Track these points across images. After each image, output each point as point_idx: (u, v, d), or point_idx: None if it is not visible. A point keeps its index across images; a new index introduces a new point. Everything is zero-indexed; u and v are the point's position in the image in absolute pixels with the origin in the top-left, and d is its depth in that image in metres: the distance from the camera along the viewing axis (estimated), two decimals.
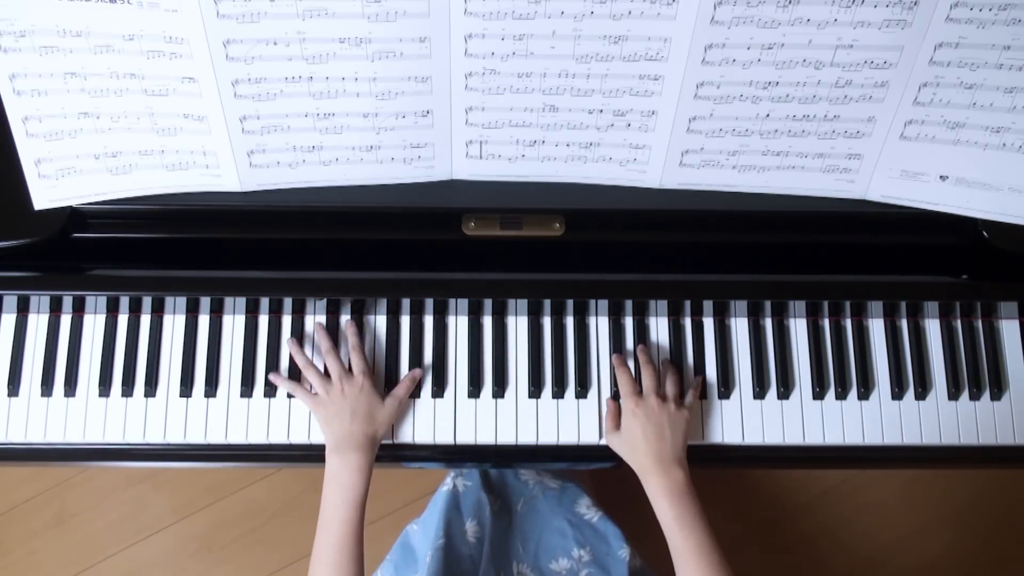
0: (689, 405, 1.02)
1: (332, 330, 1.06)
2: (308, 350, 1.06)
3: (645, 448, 0.97)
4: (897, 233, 1.03)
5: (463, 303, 1.05)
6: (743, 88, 0.92)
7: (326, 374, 1.03)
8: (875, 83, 0.91)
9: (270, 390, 1.05)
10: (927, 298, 1.06)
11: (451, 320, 1.07)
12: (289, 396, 1.05)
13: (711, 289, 1.04)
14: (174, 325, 1.06)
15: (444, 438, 1.04)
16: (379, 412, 1.00)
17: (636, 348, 1.06)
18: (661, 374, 1.05)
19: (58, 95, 0.91)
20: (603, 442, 1.04)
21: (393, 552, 1.17)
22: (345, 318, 1.07)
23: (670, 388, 1.03)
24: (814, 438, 1.05)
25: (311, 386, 1.03)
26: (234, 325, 1.07)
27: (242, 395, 1.05)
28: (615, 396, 1.04)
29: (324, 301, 1.05)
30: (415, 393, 1.05)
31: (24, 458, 1.06)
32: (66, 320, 1.06)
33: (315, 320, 1.07)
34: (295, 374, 1.05)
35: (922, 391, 1.06)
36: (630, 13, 0.87)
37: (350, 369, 1.03)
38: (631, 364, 1.05)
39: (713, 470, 1.79)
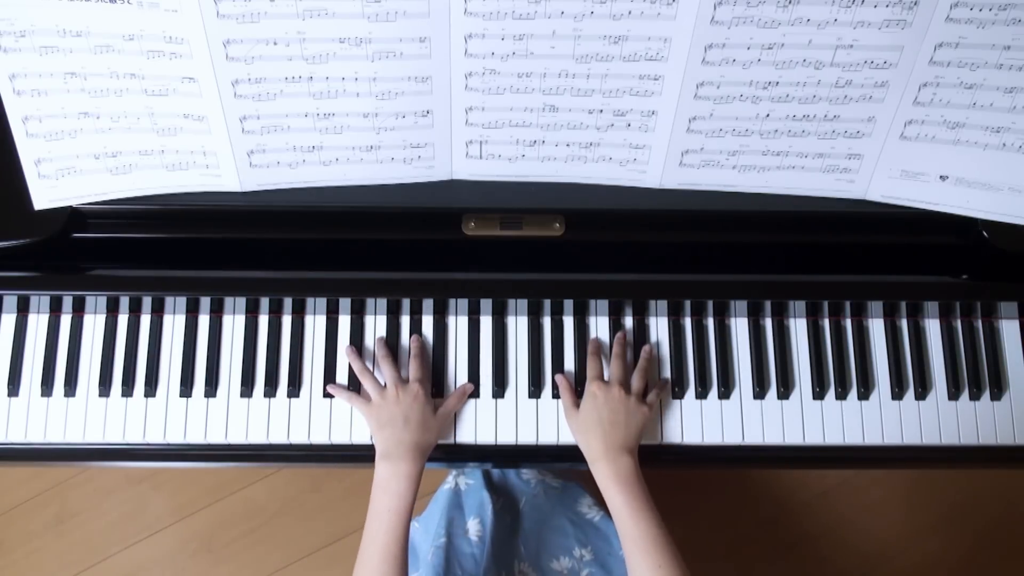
0: (650, 403, 1.02)
1: (392, 342, 1.07)
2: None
3: (599, 432, 0.97)
4: (897, 233, 1.03)
5: (463, 303, 1.05)
6: (743, 88, 0.92)
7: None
8: (875, 83, 0.91)
9: (270, 390, 1.05)
10: (927, 298, 1.06)
11: (451, 320, 1.07)
12: (326, 395, 1.05)
13: (711, 289, 1.04)
14: (174, 325, 1.06)
15: (444, 438, 1.04)
16: (431, 422, 1.00)
17: (614, 337, 1.06)
18: (631, 368, 1.05)
19: (58, 95, 0.91)
20: None
21: None
22: (344, 317, 1.07)
23: (636, 382, 1.03)
24: (814, 438, 1.05)
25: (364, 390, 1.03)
26: (234, 325, 1.07)
27: (242, 395, 1.05)
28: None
29: (324, 301, 1.05)
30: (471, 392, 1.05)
31: (24, 458, 1.06)
32: (66, 320, 1.06)
33: (315, 320, 1.07)
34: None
35: (922, 391, 1.06)
36: (630, 13, 0.87)
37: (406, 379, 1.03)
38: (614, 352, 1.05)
39: (713, 470, 1.80)
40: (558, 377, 1.04)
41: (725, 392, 1.06)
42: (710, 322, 1.08)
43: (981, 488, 1.85)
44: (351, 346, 1.05)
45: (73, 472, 1.82)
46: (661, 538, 0.91)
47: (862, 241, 1.04)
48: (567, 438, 1.04)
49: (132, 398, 1.05)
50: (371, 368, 1.05)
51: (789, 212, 1.01)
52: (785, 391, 1.06)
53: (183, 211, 1.00)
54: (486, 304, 1.06)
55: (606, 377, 1.03)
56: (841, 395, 1.06)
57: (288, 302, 1.05)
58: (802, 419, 1.05)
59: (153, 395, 1.05)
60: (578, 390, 1.04)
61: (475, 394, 1.05)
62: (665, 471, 1.79)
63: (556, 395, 1.05)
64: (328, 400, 1.05)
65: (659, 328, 1.08)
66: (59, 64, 0.89)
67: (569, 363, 1.06)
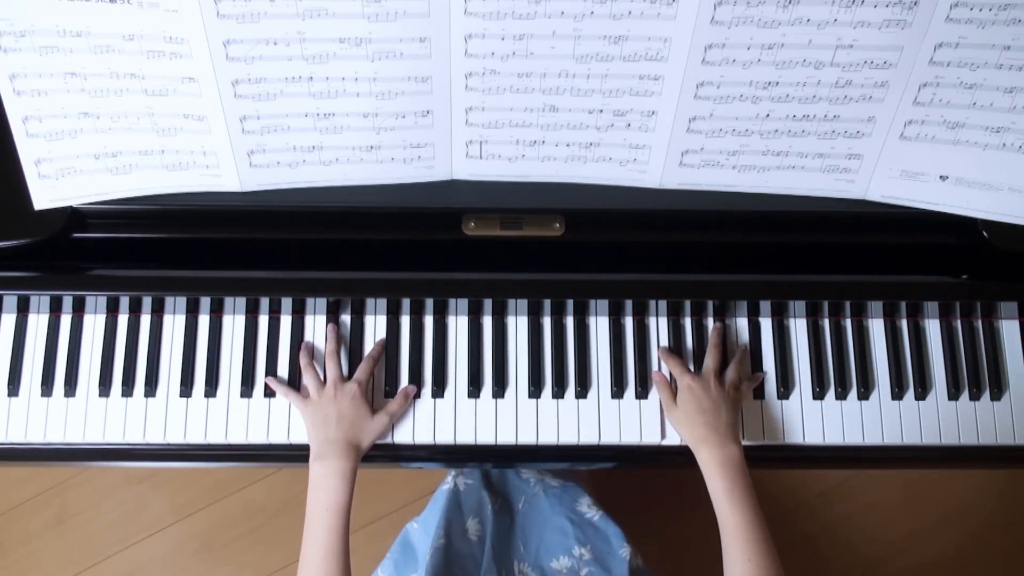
0: (743, 393, 1.03)
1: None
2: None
3: (701, 419, 0.98)
4: (897, 233, 1.03)
5: (463, 303, 1.05)
6: (743, 88, 0.92)
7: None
8: (875, 83, 0.91)
9: (270, 390, 1.05)
10: (927, 298, 1.06)
11: (451, 320, 1.07)
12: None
13: (711, 289, 1.04)
14: (174, 325, 1.06)
15: (444, 438, 1.04)
16: (366, 423, 1.00)
17: (711, 329, 1.07)
18: (725, 360, 1.05)
19: (58, 95, 0.91)
20: (602, 443, 1.04)
21: (393, 550, 1.17)
22: (345, 317, 1.07)
23: (731, 373, 1.04)
24: (814, 438, 1.05)
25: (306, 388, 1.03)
26: (234, 325, 1.07)
27: (242, 395, 1.05)
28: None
29: (324, 301, 1.05)
30: (415, 393, 1.05)
31: (24, 458, 1.06)
32: (66, 320, 1.06)
33: (315, 320, 1.07)
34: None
35: (922, 391, 1.06)
36: (630, 13, 0.87)
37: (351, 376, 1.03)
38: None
39: None
40: (655, 374, 1.05)
41: None
42: (710, 322, 1.08)
43: (981, 488, 1.85)
44: (307, 342, 1.05)
45: (73, 472, 1.82)
46: (757, 530, 0.91)
47: (862, 241, 1.04)
48: (567, 438, 1.04)
49: (132, 398, 1.05)
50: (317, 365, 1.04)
51: (789, 212, 1.01)
52: (785, 391, 1.06)
53: (183, 211, 1.00)
54: (486, 304, 1.06)
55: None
56: (841, 395, 1.06)
57: (288, 302, 1.05)
58: (802, 419, 1.05)
59: (153, 395, 1.05)
60: (579, 389, 1.04)
61: (475, 394, 1.05)
62: (664, 472, 1.79)
63: (556, 395, 1.05)
64: None
65: (659, 328, 1.08)
66: (59, 64, 0.89)
67: (569, 363, 1.06)
